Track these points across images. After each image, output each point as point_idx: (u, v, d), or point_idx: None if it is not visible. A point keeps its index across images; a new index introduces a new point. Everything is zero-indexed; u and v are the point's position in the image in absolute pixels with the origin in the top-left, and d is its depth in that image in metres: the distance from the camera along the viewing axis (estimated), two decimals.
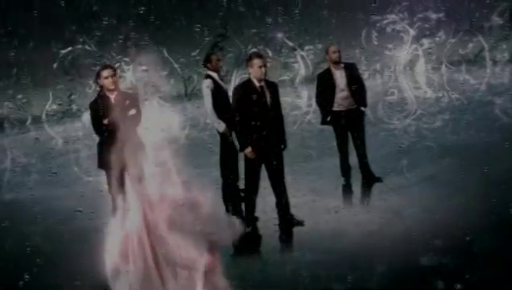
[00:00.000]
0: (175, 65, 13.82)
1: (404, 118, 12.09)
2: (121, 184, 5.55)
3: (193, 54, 13.76)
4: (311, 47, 14.18)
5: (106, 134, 5.61)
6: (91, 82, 13.30)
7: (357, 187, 6.97)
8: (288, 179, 6.98)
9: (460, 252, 4.88)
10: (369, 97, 14.19)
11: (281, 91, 16.03)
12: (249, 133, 5.57)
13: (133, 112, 5.51)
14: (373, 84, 15.08)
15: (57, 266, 5.26)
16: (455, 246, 4.98)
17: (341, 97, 6.78)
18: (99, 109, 5.72)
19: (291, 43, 14.19)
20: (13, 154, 11.48)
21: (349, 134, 6.88)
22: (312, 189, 6.88)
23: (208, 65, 6.73)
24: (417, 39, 14.56)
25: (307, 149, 9.18)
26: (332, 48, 6.91)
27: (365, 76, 14.86)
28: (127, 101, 5.63)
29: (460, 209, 5.88)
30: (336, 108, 6.80)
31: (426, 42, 14.59)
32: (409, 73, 14.77)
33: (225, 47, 13.78)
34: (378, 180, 6.92)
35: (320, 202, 6.47)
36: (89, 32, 13.17)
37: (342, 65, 6.87)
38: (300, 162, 8.06)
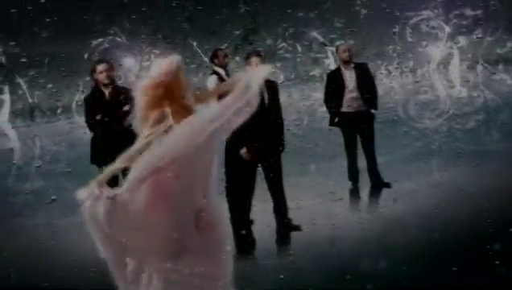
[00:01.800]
0: (205, 58, 13.83)
1: (436, 117, 11.79)
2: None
3: (222, 47, 13.74)
4: (342, 42, 13.93)
5: (99, 129, 5.59)
6: (121, 73, 13.51)
7: (364, 192, 6.78)
8: (294, 180, 6.89)
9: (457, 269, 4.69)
10: (401, 95, 14.15)
11: (310, 86, 15.87)
12: (245, 133, 5.47)
13: (127, 108, 5.45)
14: (405, 82, 14.81)
15: None
16: (454, 261, 4.79)
17: (350, 98, 6.59)
18: (93, 103, 5.67)
19: (321, 39, 14.00)
20: (42, 142, 11.76)
21: (358, 137, 6.71)
22: (318, 192, 6.75)
23: (215, 61, 6.65)
24: (452, 37, 14.16)
25: (336, 147, 9.08)
26: (343, 47, 6.73)
27: (396, 73, 14.65)
28: (122, 97, 5.56)
29: (467, 221, 5.60)
30: (344, 109, 6.62)
31: (462, 39, 14.17)
32: (443, 72, 14.40)
33: (254, 41, 13.71)
34: (387, 185, 6.71)
35: (322, 206, 6.33)
36: (120, 23, 13.32)
37: (352, 65, 6.68)
38: (317, 161, 7.96)
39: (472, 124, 10.72)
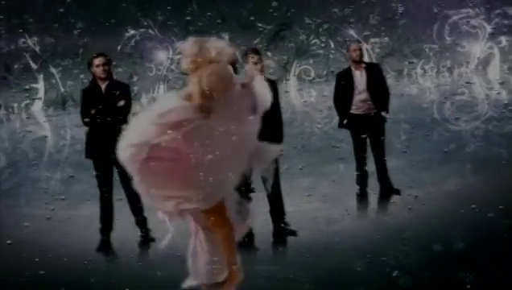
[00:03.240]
0: (236, 53, 13.74)
1: (472, 120, 11.38)
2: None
3: (255, 42, 13.62)
4: (377, 40, 13.62)
5: (92, 123, 5.54)
6: (152, 65, 13.59)
7: (373, 198, 6.53)
8: (303, 182, 6.73)
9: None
10: (436, 95, 13.70)
11: None
12: None
13: (121, 103, 5.44)
14: (441, 82, 14.33)
15: None
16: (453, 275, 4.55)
17: (359, 99, 6.35)
18: (88, 97, 5.64)
19: (355, 35, 13.68)
20: (73, 131, 11.95)
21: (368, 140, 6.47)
22: (323, 196, 6.55)
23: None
24: (493, 37, 13.59)
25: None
26: (354, 46, 6.48)
27: (432, 73, 14.19)
28: (117, 92, 5.54)
29: (473, 234, 5.30)
30: (353, 111, 6.39)
31: (504, 39, 13.59)
32: (481, 73, 13.86)
33: (287, 36, 13.53)
34: (396, 192, 6.45)
35: (325, 211, 6.13)
36: (153, 16, 13.38)
37: (363, 65, 6.44)
38: (340, 161, 7.75)
39: (511, 128, 10.30)
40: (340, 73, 6.61)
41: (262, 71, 5.44)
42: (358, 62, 6.44)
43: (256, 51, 5.47)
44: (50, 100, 13.17)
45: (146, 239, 5.70)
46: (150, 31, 13.47)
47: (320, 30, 13.78)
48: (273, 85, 5.62)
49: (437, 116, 12.20)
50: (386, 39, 13.56)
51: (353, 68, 6.46)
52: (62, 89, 13.10)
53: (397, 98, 13.40)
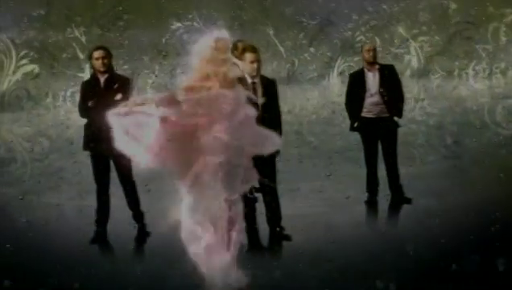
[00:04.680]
0: (280, 48, 13.58)
1: None
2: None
3: (300, 37, 13.42)
4: (426, 38, 13.09)
5: (89, 116, 5.51)
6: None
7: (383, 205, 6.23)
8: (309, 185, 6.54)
9: None
10: (487, 98, 13.03)
11: None
12: None
13: (119, 97, 5.38)
14: (494, 84, 13.64)
15: None
16: None
17: (371, 102, 6.06)
18: (87, 89, 5.61)
19: (404, 33, 13.21)
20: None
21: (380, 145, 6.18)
22: (327, 200, 6.32)
23: (235, 52, 6.41)
24: None
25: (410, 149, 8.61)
26: (367, 46, 6.18)
27: (484, 74, 13.50)
28: (116, 85, 5.50)
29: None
30: (364, 114, 6.09)
31: None
32: None
33: (331, 32, 13.23)
34: (407, 201, 6.13)
35: (327, 216, 5.90)
36: (199, 9, 13.39)
37: (377, 66, 6.15)
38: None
39: None
40: (354, 74, 6.34)
41: (258, 70, 5.26)
42: (372, 63, 6.15)
43: (253, 50, 5.28)
44: None
45: (143, 234, 5.69)
46: (195, 24, 13.50)
47: (368, 26, 13.39)
48: (270, 85, 5.45)
49: (487, 119, 11.65)
50: (437, 38, 13.00)
51: (365, 70, 6.18)
52: None
53: (445, 100, 12.92)
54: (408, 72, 13.42)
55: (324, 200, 6.40)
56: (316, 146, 9.93)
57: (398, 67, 13.36)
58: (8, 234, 5.69)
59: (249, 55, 5.22)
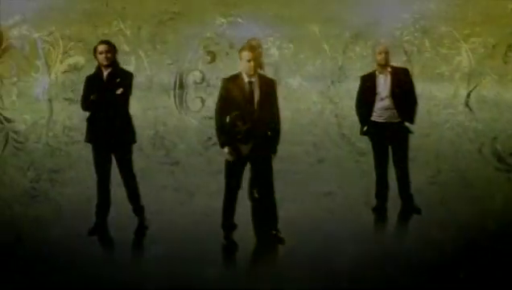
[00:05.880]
0: (324, 46, 13.27)
1: None
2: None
3: (347, 35, 13.06)
4: (477, 39, 12.41)
5: (92, 108, 5.60)
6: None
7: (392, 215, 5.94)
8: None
9: None
10: None
11: (437, 86, 14.71)
12: (229, 131, 5.10)
13: (120, 91, 5.49)
14: None
15: None
16: None
17: (381, 106, 5.78)
18: (90, 83, 5.68)
19: (455, 34, 12.59)
20: (157, 112, 12.37)
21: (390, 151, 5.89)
22: (330, 204, 6.10)
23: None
24: None
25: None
26: (379, 48, 5.90)
27: None
28: (118, 80, 5.57)
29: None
30: (374, 118, 5.84)
31: None
32: None
33: (376, 31, 12.77)
34: (417, 211, 5.82)
35: (328, 222, 5.68)
36: (241, 6, 13.29)
37: (389, 69, 5.85)
38: None
39: None
40: (364, 77, 6.08)
41: (255, 68, 5.14)
42: (384, 65, 5.87)
43: (252, 48, 5.16)
44: (138, 82, 13.63)
45: (142, 227, 5.70)
46: (238, 19, 13.41)
47: (417, 26, 12.85)
48: (269, 85, 5.30)
49: None
50: (490, 39, 12.31)
51: (377, 72, 5.91)
52: (149, 73, 13.50)
53: (493, 106, 12.25)
54: (458, 75, 12.80)
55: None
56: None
57: (447, 69, 12.93)
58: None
59: (245, 54, 5.15)
